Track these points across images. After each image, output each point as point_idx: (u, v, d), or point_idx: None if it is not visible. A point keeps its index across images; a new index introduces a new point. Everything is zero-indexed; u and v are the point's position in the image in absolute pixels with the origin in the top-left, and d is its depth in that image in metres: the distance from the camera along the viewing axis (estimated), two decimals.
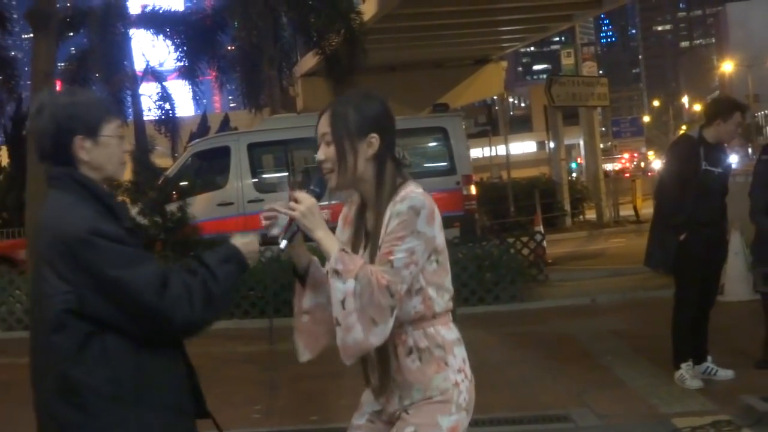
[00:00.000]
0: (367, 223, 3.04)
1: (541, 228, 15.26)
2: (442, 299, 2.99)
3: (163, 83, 28.80)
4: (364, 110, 2.98)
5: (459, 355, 3.02)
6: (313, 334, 3.13)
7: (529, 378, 7.84)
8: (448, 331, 3.00)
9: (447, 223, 14.92)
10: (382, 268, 2.82)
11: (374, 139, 2.96)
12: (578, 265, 15.91)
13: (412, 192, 2.91)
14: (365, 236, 3.03)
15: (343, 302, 2.80)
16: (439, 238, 2.96)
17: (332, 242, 2.89)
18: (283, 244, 2.93)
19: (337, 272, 2.82)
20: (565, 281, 13.62)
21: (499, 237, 12.79)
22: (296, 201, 2.92)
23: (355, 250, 3.00)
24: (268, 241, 3.11)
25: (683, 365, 7.02)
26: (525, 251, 13.97)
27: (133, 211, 13.66)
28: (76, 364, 2.75)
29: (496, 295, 11.82)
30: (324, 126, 2.99)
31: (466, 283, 11.75)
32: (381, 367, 2.98)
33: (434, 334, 2.96)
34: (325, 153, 2.98)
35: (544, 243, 14.81)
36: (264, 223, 2.96)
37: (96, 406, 2.76)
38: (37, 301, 2.85)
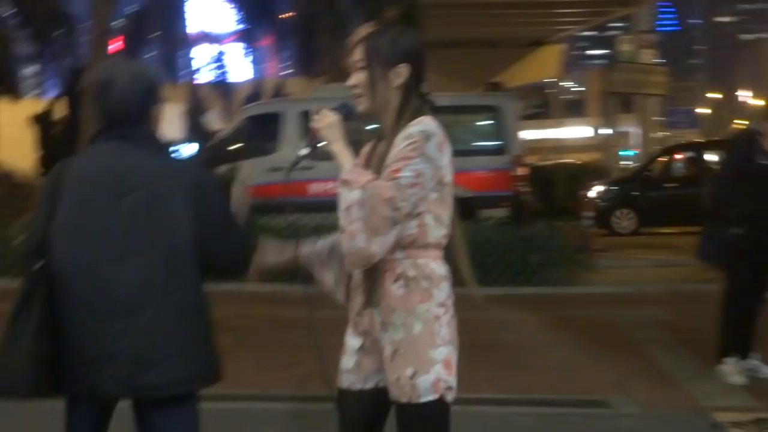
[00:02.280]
0: (377, 153, 3.17)
1: (590, 213, 15.12)
2: (437, 230, 3.08)
3: (220, 46, 28.91)
4: (397, 41, 3.15)
5: (444, 290, 3.09)
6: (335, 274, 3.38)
7: (570, 362, 7.79)
8: (437, 266, 3.10)
9: (495, 202, 14.88)
10: (388, 184, 2.94)
11: (403, 69, 3.13)
12: (626, 253, 15.77)
13: (426, 119, 3.08)
14: (377, 166, 3.12)
15: (347, 209, 2.95)
16: (447, 171, 3.07)
17: (347, 157, 3.08)
18: (303, 150, 3.23)
19: (346, 182, 2.99)
20: (612, 268, 13.50)
21: (548, 220, 12.67)
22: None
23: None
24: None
25: (728, 360, 6.94)
26: (572, 236, 13.86)
27: None
28: (200, 288, 3.29)
29: (541, 277, 11.76)
30: (358, 52, 3.15)
31: (513, 263, 11.70)
32: (366, 283, 3.10)
33: (424, 266, 3.06)
34: (356, 78, 3.16)
35: (593, 229, 14.72)
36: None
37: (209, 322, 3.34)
38: (149, 234, 3.14)
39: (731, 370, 6.90)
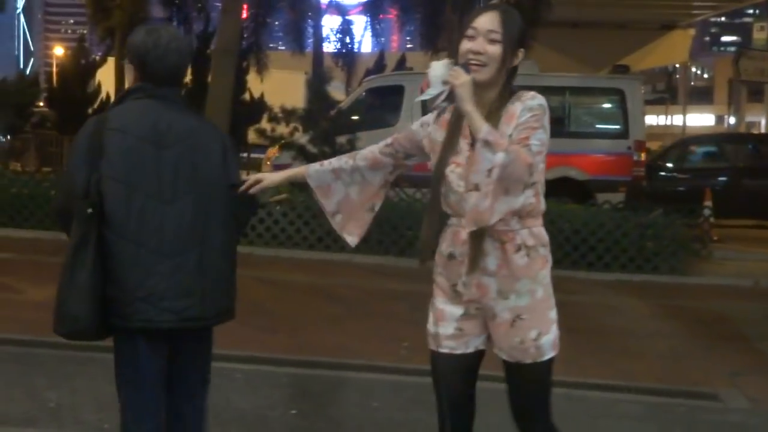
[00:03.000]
0: (467, 128, 3.20)
1: (709, 203, 14.80)
2: (544, 199, 3.27)
3: (346, 17, 29.08)
4: (523, 26, 3.27)
5: (550, 255, 3.32)
6: (354, 221, 3.60)
7: (680, 352, 7.69)
8: (546, 233, 3.29)
9: (613, 187, 14.71)
10: (525, 150, 3.06)
11: (521, 53, 3.27)
12: (745, 245, 15.39)
13: (537, 95, 3.21)
14: (468, 141, 3.21)
15: (490, 171, 3.01)
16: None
17: (480, 117, 3.09)
18: (444, 95, 3.15)
19: (488, 143, 3.02)
20: (729, 260, 13.21)
21: (665, 207, 12.45)
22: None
23: (448, 152, 3.25)
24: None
25: None
26: (691, 224, 13.60)
27: (304, 138, 13.93)
28: (233, 231, 3.62)
29: (655, 265, 11.59)
30: (492, 23, 3.19)
31: (627, 249, 11.58)
32: (475, 252, 3.19)
33: (539, 234, 3.24)
34: (484, 48, 3.18)
35: (711, 218, 14.39)
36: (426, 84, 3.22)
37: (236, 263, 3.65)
38: (192, 182, 3.45)
39: None
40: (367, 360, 6.92)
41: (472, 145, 3.16)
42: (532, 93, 3.20)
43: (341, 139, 13.53)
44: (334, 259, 11.88)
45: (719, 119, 41.15)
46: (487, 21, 3.19)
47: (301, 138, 14.03)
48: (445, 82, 3.12)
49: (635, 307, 9.71)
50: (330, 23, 29.16)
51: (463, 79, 3.10)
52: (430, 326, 3.36)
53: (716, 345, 7.91)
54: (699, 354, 7.62)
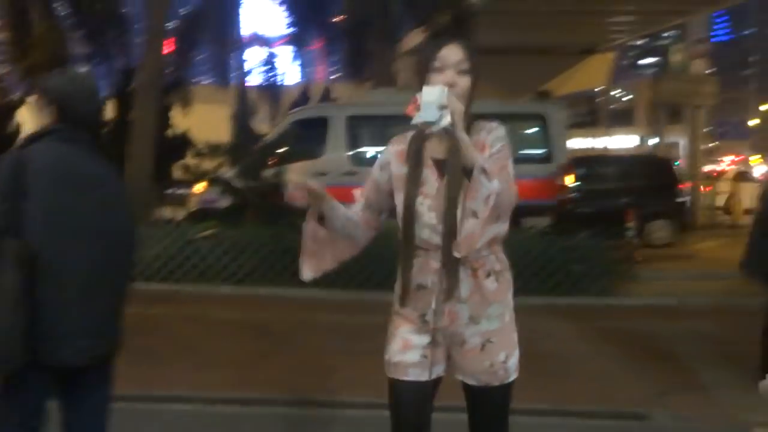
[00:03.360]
0: (433, 154, 3.27)
1: (633, 224, 15.02)
2: None
3: (270, 49, 29.07)
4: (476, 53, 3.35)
5: None
6: (320, 262, 3.54)
7: (610, 373, 7.77)
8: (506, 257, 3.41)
9: (539, 211, 14.86)
10: (506, 178, 3.19)
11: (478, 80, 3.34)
12: (669, 265, 15.65)
13: (499, 124, 3.35)
14: (433, 171, 3.27)
15: (487, 198, 3.09)
16: None
17: (472, 146, 3.14)
18: (446, 120, 3.06)
19: (485, 171, 3.09)
20: (655, 280, 13.41)
21: (591, 230, 12.61)
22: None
23: (414, 185, 3.26)
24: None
25: None
26: (616, 246, 13.77)
27: (230, 173, 13.87)
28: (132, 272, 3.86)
29: (583, 287, 11.72)
30: (459, 55, 3.27)
31: (554, 273, 11.69)
32: (449, 281, 3.23)
33: (503, 259, 3.38)
34: (455, 80, 3.24)
35: (636, 240, 14.62)
36: (415, 105, 3.11)
37: None
38: (108, 226, 3.62)
39: None
40: (300, 395, 6.87)
41: (440, 174, 3.23)
42: (495, 123, 3.32)
43: (267, 173, 13.50)
44: (263, 293, 11.81)
45: (641, 140, 41.85)
46: (453, 53, 3.26)
47: (227, 173, 13.97)
48: (442, 107, 3.08)
49: (566, 330, 9.80)
50: (254, 56, 29.11)
51: (458, 107, 3.11)
52: (394, 355, 3.40)
53: (644, 365, 8.01)
54: (628, 374, 7.71)
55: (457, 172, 3.16)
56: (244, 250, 12.28)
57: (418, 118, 3.06)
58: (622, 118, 53.12)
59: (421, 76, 3.26)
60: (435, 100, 3.06)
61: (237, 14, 26.94)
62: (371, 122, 17.01)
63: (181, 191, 22.17)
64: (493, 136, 3.27)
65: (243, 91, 26.37)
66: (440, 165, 3.26)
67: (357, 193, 3.52)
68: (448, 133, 3.10)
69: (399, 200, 3.34)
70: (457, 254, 3.19)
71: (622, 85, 60.63)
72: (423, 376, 3.35)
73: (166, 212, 16.58)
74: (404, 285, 3.34)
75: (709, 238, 21.52)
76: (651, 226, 18.31)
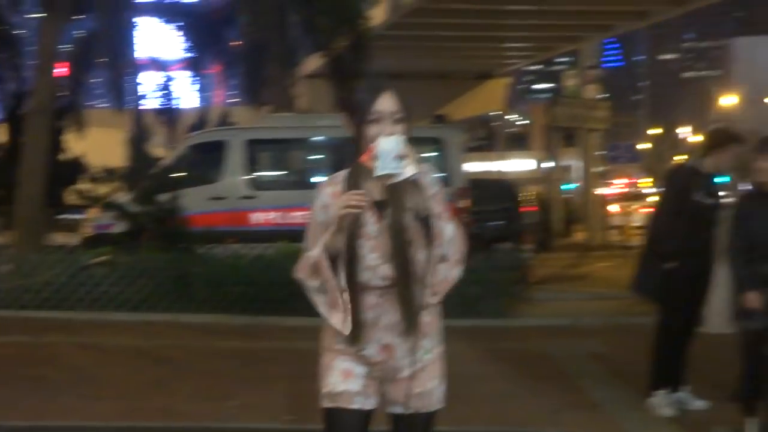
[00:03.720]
0: (370, 195, 3.29)
1: (529, 246, 15.27)
2: None
3: (166, 73, 28.75)
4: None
5: None
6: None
7: (505, 394, 7.87)
8: None
9: None
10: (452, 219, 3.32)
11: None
12: (563, 286, 15.94)
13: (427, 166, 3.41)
14: (372, 213, 3.30)
15: (452, 240, 3.28)
16: None
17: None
18: (409, 171, 3.18)
19: (444, 215, 3.29)
20: (549, 301, 13.64)
21: (486, 252, 12.77)
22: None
23: (355, 227, 3.27)
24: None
25: (659, 392, 7.06)
26: (511, 268, 13.94)
27: (125, 198, 13.68)
28: None
29: (478, 309, 11.82)
30: (393, 105, 3.36)
31: (450, 295, 11.76)
32: (408, 315, 3.31)
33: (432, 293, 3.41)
34: (392, 129, 3.31)
35: (531, 261, 14.83)
36: (371, 154, 3.18)
37: None
38: None
39: (662, 402, 7.01)
40: (196, 421, 6.79)
41: (379, 216, 3.29)
42: (426, 165, 3.38)
43: (163, 197, 13.35)
44: (160, 319, 11.64)
45: (537, 164, 42.66)
46: (388, 104, 3.35)
47: (123, 197, 13.77)
48: (400, 157, 3.16)
49: (462, 352, 9.85)
50: (151, 79, 28.72)
51: (413, 156, 3.22)
52: (336, 386, 3.39)
53: (540, 384, 8.13)
54: (523, 394, 7.82)
55: (400, 215, 3.27)
56: (140, 276, 12.10)
57: (379, 170, 3.14)
58: (518, 142, 54.07)
59: (357, 127, 3.33)
60: (392, 150, 3.15)
61: (132, 37, 26.57)
62: (270, 146, 16.98)
63: (74, 216, 21.80)
64: (429, 177, 3.35)
65: (139, 115, 26.00)
66: (378, 206, 3.30)
67: (308, 242, 3.41)
68: (414, 182, 3.22)
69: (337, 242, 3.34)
70: (433, 300, 3.35)
71: (518, 110, 61.69)
72: (367, 405, 3.41)
73: (59, 238, 16.26)
74: (353, 321, 3.33)
75: (604, 259, 22.02)
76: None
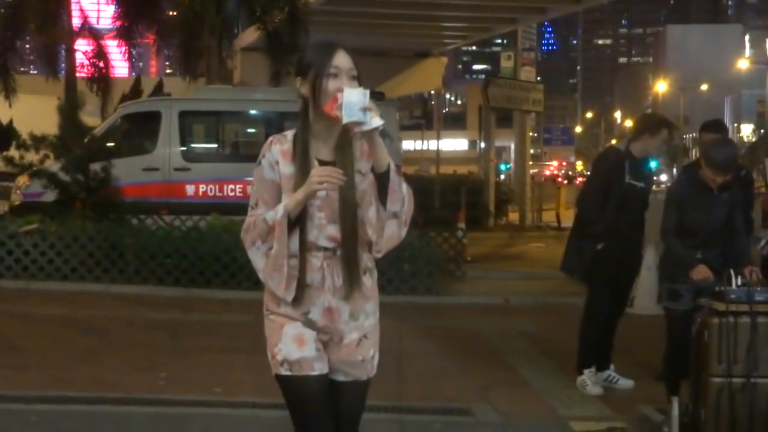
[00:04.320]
0: (318, 155, 3.31)
1: (463, 225, 15.37)
2: None
3: (100, 41, 28.29)
4: None
5: None
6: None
7: (436, 371, 7.92)
8: None
9: None
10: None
11: None
12: (496, 265, 16.08)
13: None
14: (325, 165, 3.27)
15: (404, 199, 3.29)
16: None
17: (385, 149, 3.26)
18: (374, 122, 3.11)
19: (399, 173, 3.29)
20: (482, 279, 13.75)
21: (421, 229, 12.80)
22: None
23: (301, 181, 3.23)
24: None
25: (586, 371, 7.16)
26: (445, 246, 14.05)
27: (56, 167, 13.45)
28: None
29: (412, 286, 11.89)
30: (350, 62, 3.38)
31: (384, 271, 11.81)
32: (349, 278, 3.33)
33: (371, 258, 3.45)
34: (350, 84, 3.27)
35: (465, 240, 14.91)
36: (336, 104, 3.14)
37: None
38: None
39: (589, 381, 7.12)
40: (124, 392, 6.73)
41: None
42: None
43: (95, 167, 13.15)
44: (90, 289, 11.52)
45: (472, 143, 42.85)
46: (345, 60, 3.36)
47: (53, 166, 13.53)
48: (365, 109, 3.10)
49: (394, 328, 9.86)
50: (84, 47, 28.25)
51: (377, 110, 3.15)
52: (291, 353, 3.34)
53: (469, 362, 8.20)
54: (453, 371, 7.88)
55: (350, 174, 3.26)
56: (70, 245, 11.94)
57: (347, 118, 3.09)
58: (455, 121, 54.27)
59: (314, 80, 3.31)
60: (359, 101, 3.10)
61: (67, 3, 26.09)
62: (204, 118, 16.82)
63: (3, 184, 21.40)
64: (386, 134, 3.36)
65: (72, 82, 25.57)
66: (326, 166, 3.26)
67: (252, 200, 3.38)
68: (370, 135, 3.15)
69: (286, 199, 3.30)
70: (378, 255, 3.37)
71: (456, 89, 61.94)
72: (325, 369, 3.40)
73: None
74: (298, 284, 3.31)
75: (537, 239, 22.27)
76: None
